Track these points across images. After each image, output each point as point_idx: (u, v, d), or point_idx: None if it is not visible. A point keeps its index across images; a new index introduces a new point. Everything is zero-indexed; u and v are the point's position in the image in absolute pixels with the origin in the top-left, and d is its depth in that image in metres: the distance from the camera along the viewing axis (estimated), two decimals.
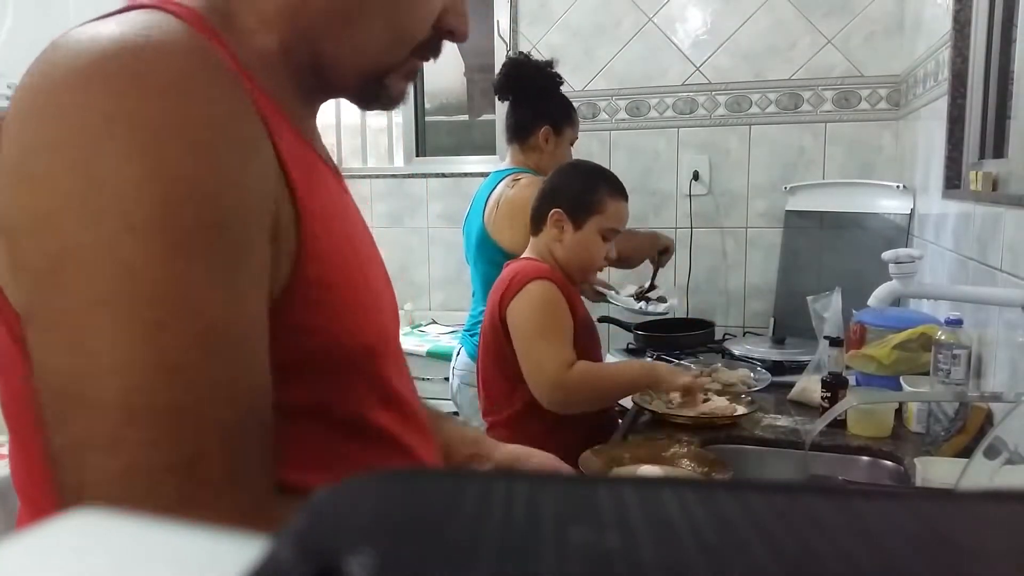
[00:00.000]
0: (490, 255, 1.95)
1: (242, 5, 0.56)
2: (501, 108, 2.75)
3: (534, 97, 2.01)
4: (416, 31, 0.60)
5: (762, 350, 2.04)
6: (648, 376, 1.54)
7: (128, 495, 0.42)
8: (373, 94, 0.63)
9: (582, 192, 1.58)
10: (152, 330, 0.42)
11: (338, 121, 2.97)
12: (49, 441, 0.43)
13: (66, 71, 0.44)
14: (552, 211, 1.58)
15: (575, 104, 2.70)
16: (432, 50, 0.63)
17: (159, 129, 0.43)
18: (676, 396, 1.57)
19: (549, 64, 2.03)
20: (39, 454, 0.49)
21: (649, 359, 2.13)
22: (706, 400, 1.56)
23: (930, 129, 1.90)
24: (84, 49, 0.45)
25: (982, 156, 1.63)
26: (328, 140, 3.07)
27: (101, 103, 0.43)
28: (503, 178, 1.98)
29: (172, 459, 0.42)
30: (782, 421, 1.54)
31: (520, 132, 2.03)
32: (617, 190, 1.59)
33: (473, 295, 2.08)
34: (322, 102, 0.65)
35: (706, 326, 2.29)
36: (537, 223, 1.62)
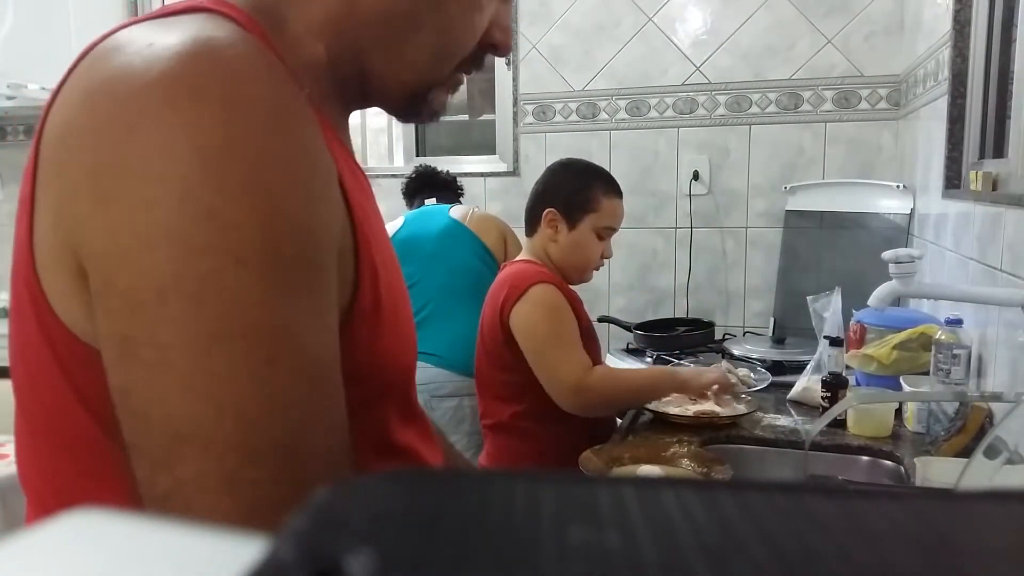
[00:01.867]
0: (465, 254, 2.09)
1: (292, 11, 0.55)
2: (501, 108, 2.76)
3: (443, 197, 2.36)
4: (464, 47, 0.60)
5: (762, 350, 2.04)
6: (672, 380, 1.52)
7: (249, 520, 0.41)
8: (416, 107, 0.62)
9: (576, 191, 1.57)
10: (264, 367, 0.42)
11: None
12: (151, 483, 0.42)
13: (151, 87, 0.42)
14: (546, 211, 1.57)
15: (575, 104, 2.69)
16: (475, 63, 0.63)
17: (263, 164, 0.43)
18: (708, 396, 1.53)
19: (454, 179, 2.45)
20: (53, 464, 0.51)
21: (649, 360, 2.13)
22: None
23: (930, 129, 1.90)
24: (164, 61, 0.42)
25: (982, 156, 1.63)
26: None
27: (202, 130, 0.41)
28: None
29: (291, 494, 0.42)
30: (782, 421, 1.54)
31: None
32: (612, 188, 1.58)
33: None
34: (357, 109, 0.64)
35: (706, 326, 2.29)
36: (532, 224, 1.61)
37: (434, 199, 2.32)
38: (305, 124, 0.47)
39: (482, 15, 0.60)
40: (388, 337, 0.56)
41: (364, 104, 0.63)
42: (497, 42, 0.62)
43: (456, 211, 2.18)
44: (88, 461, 0.50)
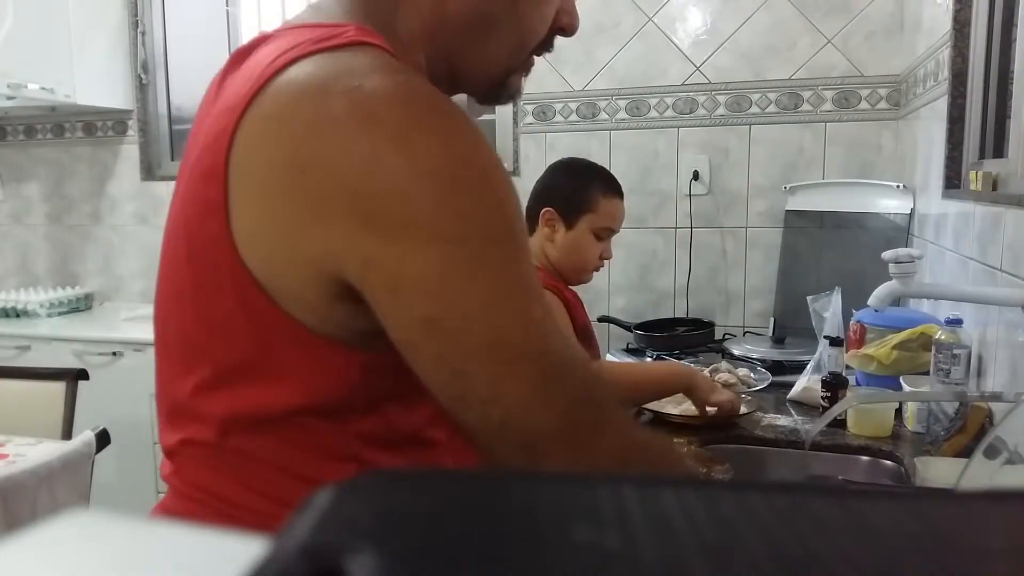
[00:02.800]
0: None
1: (400, 26, 0.65)
2: (501, 108, 2.75)
3: None
4: (538, 36, 0.69)
5: (762, 350, 2.04)
6: (685, 379, 1.47)
7: (568, 434, 0.55)
8: (497, 92, 0.73)
9: (574, 190, 1.55)
10: (529, 311, 0.55)
11: None
12: (485, 418, 0.54)
13: (377, 125, 0.52)
14: (543, 210, 1.55)
15: (575, 104, 2.69)
16: (547, 47, 0.72)
17: (484, 167, 0.55)
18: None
19: None
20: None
21: (649, 360, 2.13)
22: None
23: (930, 129, 1.90)
24: (380, 102, 0.53)
25: (982, 156, 1.63)
26: None
27: (429, 154, 0.52)
28: None
29: (582, 395, 0.56)
30: (782, 421, 1.54)
31: None
32: (611, 188, 1.57)
33: None
34: None
35: (706, 326, 2.29)
36: (530, 223, 1.60)
37: None
38: (477, 128, 0.57)
39: (551, 6, 0.69)
40: None
41: (451, 95, 0.71)
42: (564, 25, 0.71)
43: None
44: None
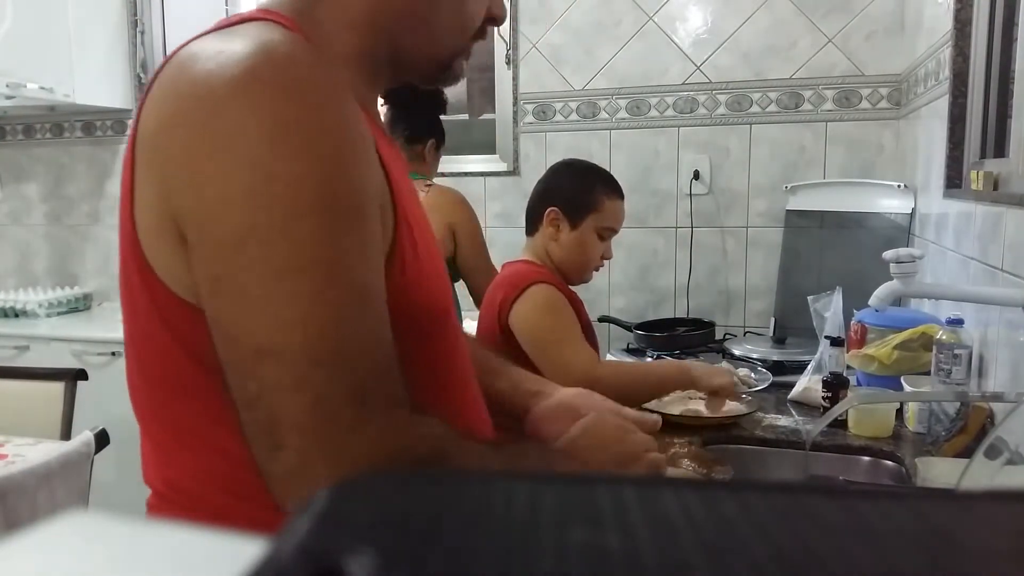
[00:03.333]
0: None
1: (328, 13, 0.67)
2: (501, 108, 2.76)
3: (428, 111, 2.06)
4: (476, 20, 0.73)
5: (762, 350, 2.04)
6: (683, 376, 1.50)
7: (315, 423, 0.52)
8: (443, 74, 0.76)
9: (578, 191, 1.58)
10: (323, 292, 0.53)
11: None
12: (242, 389, 0.54)
13: (224, 84, 0.54)
14: (548, 210, 1.57)
15: (575, 103, 2.69)
16: (481, 35, 0.76)
17: (314, 135, 0.55)
18: (698, 399, 1.54)
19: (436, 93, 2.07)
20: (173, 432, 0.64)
21: (649, 360, 2.13)
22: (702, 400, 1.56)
23: (931, 128, 1.90)
24: (233, 63, 0.55)
25: (983, 155, 1.63)
26: None
27: (265, 113, 0.54)
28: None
29: (347, 390, 0.53)
30: (782, 421, 1.54)
31: (413, 142, 2.07)
32: (613, 189, 1.59)
33: None
34: (385, 88, 0.76)
35: (706, 326, 2.29)
36: (533, 223, 1.62)
37: (408, 131, 2.06)
38: (346, 101, 0.58)
39: None
40: (426, 280, 0.67)
41: (395, 82, 0.75)
42: (495, 15, 0.75)
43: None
44: (198, 403, 0.62)
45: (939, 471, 1.12)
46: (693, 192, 2.52)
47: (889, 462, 1.36)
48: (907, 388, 1.43)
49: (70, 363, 2.45)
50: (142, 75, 3.02)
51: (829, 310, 1.69)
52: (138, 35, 3.00)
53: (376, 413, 0.54)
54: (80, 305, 3.05)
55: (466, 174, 2.75)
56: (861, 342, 1.65)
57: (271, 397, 0.52)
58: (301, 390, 0.52)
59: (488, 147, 2.87)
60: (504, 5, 0.77)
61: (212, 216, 0.53)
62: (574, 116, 2.63)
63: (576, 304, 1.58)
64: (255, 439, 0.54)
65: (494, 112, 2.80)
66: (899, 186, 2.15)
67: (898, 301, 1.56)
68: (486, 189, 2.74)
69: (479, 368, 0.86)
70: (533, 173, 2.41)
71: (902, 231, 2.14)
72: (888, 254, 1.20)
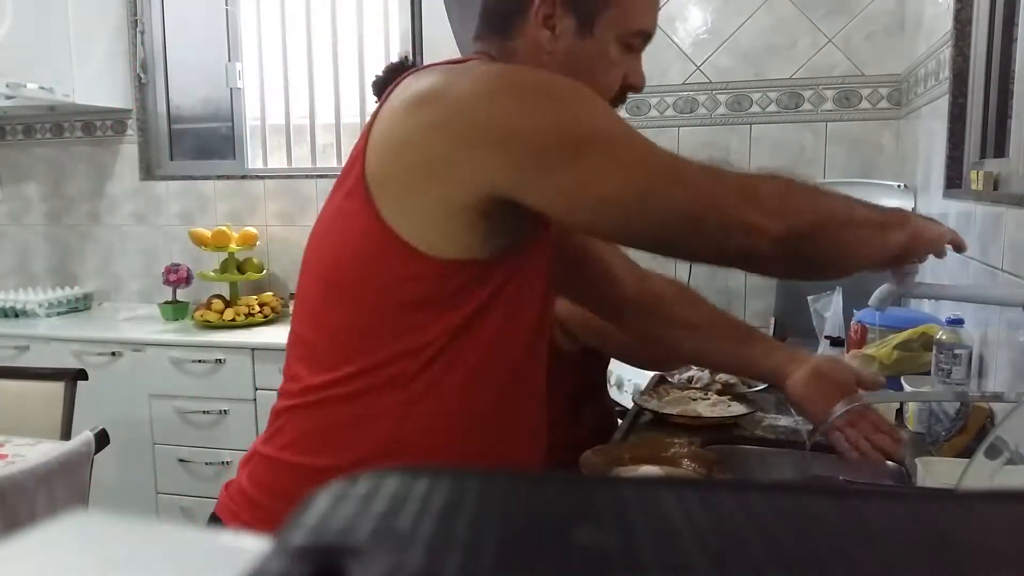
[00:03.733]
0: None
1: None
2: None
3: None
4: (611, 89, 0.88)
5: None
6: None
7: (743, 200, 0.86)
8: None
9: None
10: (650, 159, 0.83)
11: (337, 120, 2.97)
12: (700, 220, 0.83)
13: (475, 80, 0.77)
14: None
15: None
16: (619, 101, 0.90)
17: (571, 94, 0.79)
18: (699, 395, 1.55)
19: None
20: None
21: None
22: (704, 400, 1.56)
23: (931, 128, 1.90)
24: (479, 70, 0.79)
25: (983, 155, 1.63)
26: (328, 139, 3.07)
27: (553, 78, 0.79)
28: None
29: (737, 190, 0.88)
30: (782, 421, 1.54)
31: None
32: None
33: None
34: None
35: None
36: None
37: None
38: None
39: (616, 70, 0.87)
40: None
41: None
42: (631, 84, 0.89)
43: None
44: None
45: (939, 471, 1.12)
46: None
47: (889, 462, 1.36)
48: (907, 388, 1.43)
49: (70, 363, 2.45)
50: (142, 75, 3.02)
51: (829, 310, 1.69)
52: (138, 35, 3.00)
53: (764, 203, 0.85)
54: (80, 305, 3.05)
55: None
56: (861, 342, 1.65)
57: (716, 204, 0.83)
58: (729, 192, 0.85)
59: None
60: (642, 74, 0.88)
61: (542, 134, 0.74)
62: None
63: None
64: (727, 223, 0.83)
65: None
66: (899, 186, 2.15)
67: (898, 301, 1.56)
68: None
69: (728, 334, 1.11)
70: None
71: None
72: None
